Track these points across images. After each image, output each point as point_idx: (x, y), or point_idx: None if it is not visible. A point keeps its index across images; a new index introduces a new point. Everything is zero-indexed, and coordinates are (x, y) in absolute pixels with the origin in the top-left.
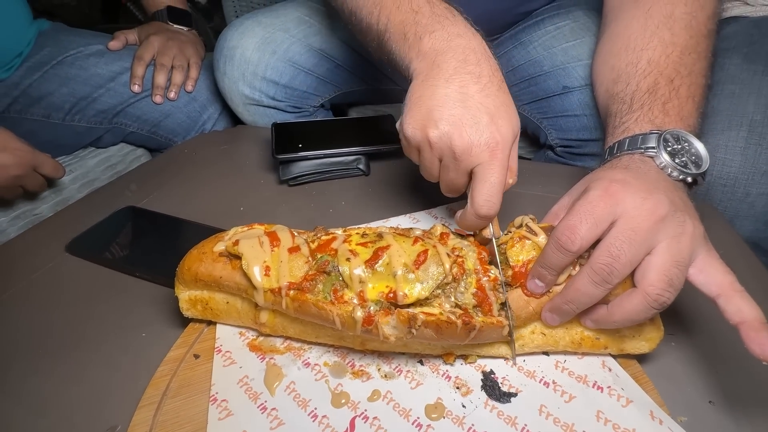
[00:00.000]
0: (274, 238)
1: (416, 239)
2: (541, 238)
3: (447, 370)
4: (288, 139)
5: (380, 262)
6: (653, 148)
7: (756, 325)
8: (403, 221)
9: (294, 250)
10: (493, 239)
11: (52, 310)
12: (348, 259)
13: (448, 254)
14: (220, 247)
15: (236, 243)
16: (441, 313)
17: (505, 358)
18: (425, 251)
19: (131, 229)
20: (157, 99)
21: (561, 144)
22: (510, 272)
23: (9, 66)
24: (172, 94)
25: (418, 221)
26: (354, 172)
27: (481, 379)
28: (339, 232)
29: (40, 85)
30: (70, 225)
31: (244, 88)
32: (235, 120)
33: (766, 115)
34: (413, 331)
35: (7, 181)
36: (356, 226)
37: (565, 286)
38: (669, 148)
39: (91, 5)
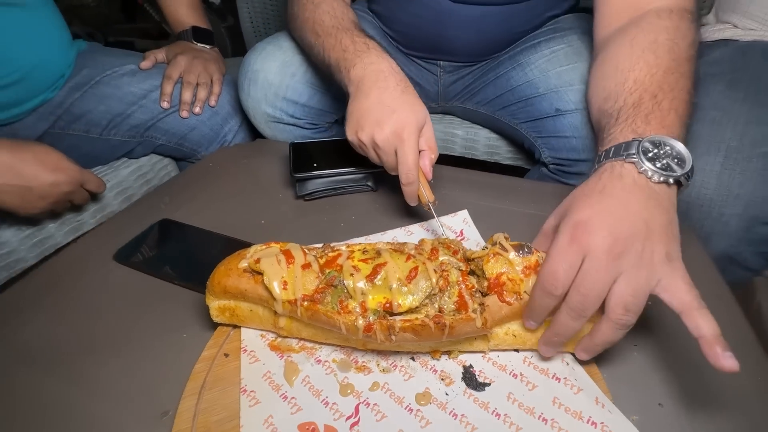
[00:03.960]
0: (289, 256)
1: (409, 256)
2: (511, 255)
3: (434, 365)
4: (304, 158)
5: (378, 277)
6: (634, 154)
7: (712, 340)
8: (399, 233)
9: (306, 266)
10: (430, 204)
11: (107, 312)
12: (351, 275)
13: (435, 270)
14: (243, 264)
15: (258, 261)
16: (416, 318)
17: (482, 353)
18: (416, 267)
19: (167, 240)
20: (184, 114)
21: (553, 162)
22: (485, 283)
23: (54, 86)
24: (197, 109)
25: (412, 233)
26: (363, 188)
27: (462, 372)
28: (343, 248)
29: (81, 103)
30: (114, 235)
31: (266, 108)
32: (253, 130)
33: (741, 142)
34: (393, 336)
35: (59, 197)
36: (358, 242)
37: (551, 322)
38: (649, 153)
39: (109, 5)
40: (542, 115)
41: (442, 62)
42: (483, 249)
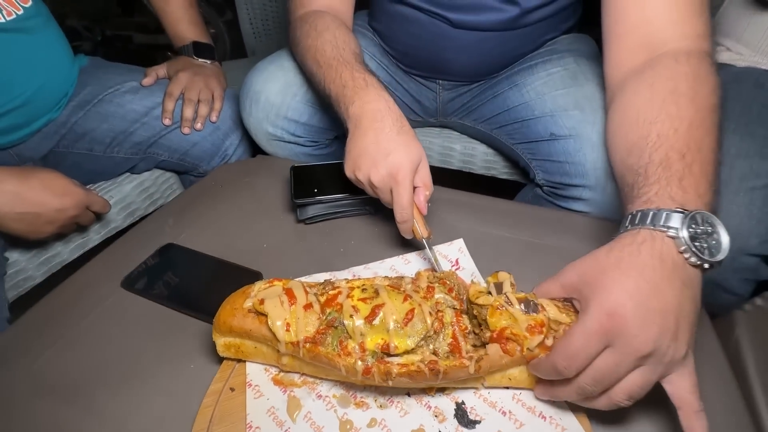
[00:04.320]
0: (291, 295)
1: (406, 296)
2: (517, 311)
3: (428, 401)
4: (305, 182)
5: (377, 318)
6: (675, 228)
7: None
8: (397, 262)
9: (308, 306)
10: (424, 240)
11: (117, 340)
12: (351, 315)
13: (430, 312)
14: (248, 303)
15: (262, 302)
16: (412, 363)
17: (475, 389)
18: (412, 310)
19: (173, 266)
20: (185, 130)
21: (547, 184)
22: (487, 334)
23: (58, 106)
24: (198, 125)
25: (410, 262)
26: (362, 212)
27: (454, 409)
28: (343, 284)
29: (84, 122)
30: (120, 260)
31: (268, 127)
32: (254, 144)
33: (730, 176)
34: (389, 382)
35: (66, 221)
36: (358, 273)
37: (559, 389)
38: (691, 230)
39: (107, 0)
40: (537, 137)
41: (440, 81)
42: (486, 291)
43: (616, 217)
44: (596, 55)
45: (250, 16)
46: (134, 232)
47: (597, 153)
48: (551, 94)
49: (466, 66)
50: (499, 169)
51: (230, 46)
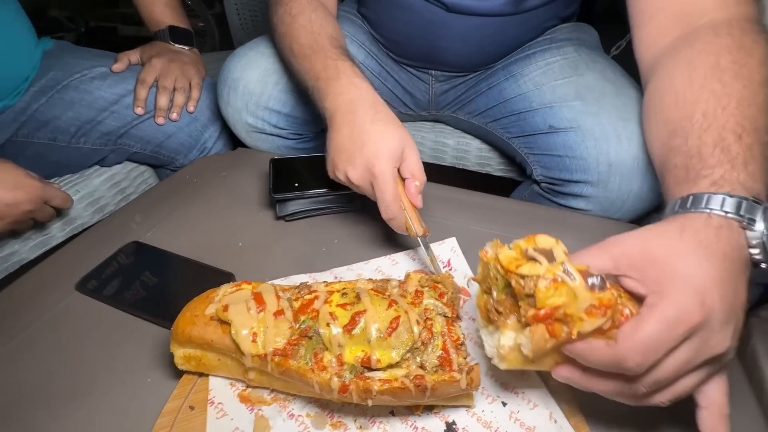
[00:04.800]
0: (260, 301)
1: (391, 302)
2: (581, 284)
3: (415, 421)
4: (285, 176)
5: (357, 326)
6: (755, 220)
7: None
8: (383, 263)
9: (279, 313)
10: (419, 239)
11: (66, 352)
12: (328, 324)
13: (418, 320)
14: (211, 310)
15: (226, 308)
16: (396, 379)
17: (467, 407)
18: (397, 317)
19: (136, 267)
20: (160, 120)
21: (545, 180)
22: (531, 312)
23: (17, 91)
24: (174, 116)
25: (397, 263)
26: (347, 208)
27: (444, 430)
28: (321, 287)
29: (46, 109)
30: (79, 259)
31: (247, 117)
32: (235, 137)
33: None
34: (368, 401)
35: (19, 217)
36: (340, 276)
37: (599, 381)
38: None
39: None
40: (535, 131)
41: (433, 71)
42: (523, 257)
43: (617, 216)
44: (597, 44)
45: (238, 8)
46: (96, 228)
47: (600, 146)
48: (550, 84)
49: (461, 55)
50: (494, 166)
51: (219, 39)
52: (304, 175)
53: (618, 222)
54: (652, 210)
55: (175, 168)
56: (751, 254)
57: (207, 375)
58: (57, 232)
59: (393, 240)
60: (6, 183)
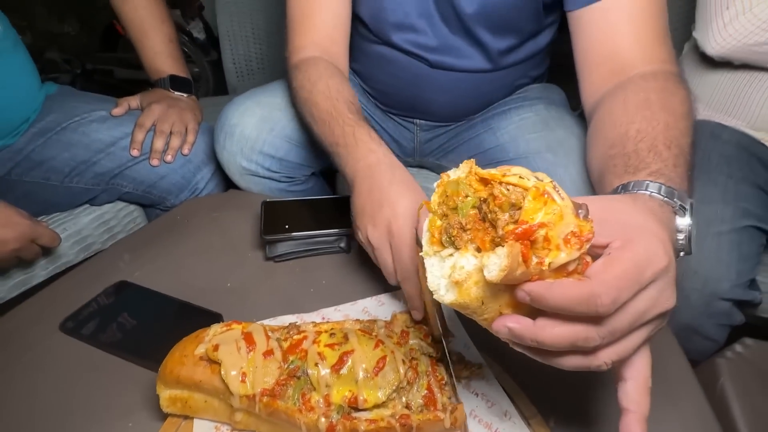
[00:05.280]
0: (250, 341)
1: (378, 342)
2: (569, 204)
3: None
4: (276, 218)
5: (345, 366)
6: (686, 210)
7: (640, 418)
8: (370, 304)
9: (268, 353)
10: (443, 341)
11: (46, 395)
12: (316, 364)
13: (403, 360)
14: (200, 350)
15: (216, 348)
16: (382, 419)
17: None
18: (384, 357)
19: (123, 307)
20: (154, 162)
21: None
22: (510, 226)
23: (16, 132)
24: (168, 157)
25: (384, 304)
26: (335, 250)
27: None
28: (310, 327)
29: (43, 150)
30: (64, 298)
31: (242, 161)
32: (227, 178)
33: (695, 220)
34: None
35: (5, 255)
36: (328, 316)
37: (560, 327)
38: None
39: (90, 35)
40: None
41: (418, 120)
42: (510, 174)
43: None
44: (565, 103)
45: (234, 56)
46: (83, 268)
47: (571, 194)
48: (524, 137)
49: (443, 106)
50: None
51: (213, 85)
52: (294, 217)
53: None
54: None
55: (166, 208)
56: (677, 239)
57: (192, 418)
58: (40, 270)
59: (379, 281)
60: None
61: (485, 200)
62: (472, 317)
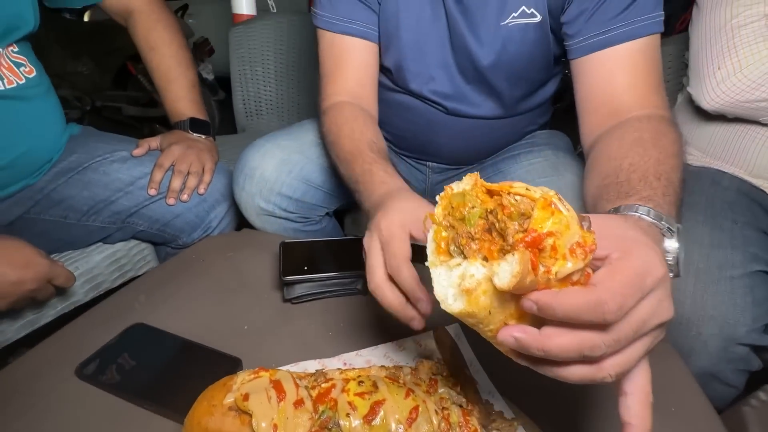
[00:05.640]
0: (280, 390)
1: (408, 392)
2: (574, 215)
3: None
4: (294, 259)
5: (377, 417)
6: (672, 231)
7: (645, 430)
8: (391, 348)
9: (298, 403)
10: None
11: None
12: (348, 414)
13: (436, 411)
14: (229, 399)
15: (246, 397)
16: None
17: None
18: (416, 407)
19: (140, 351)
20: (171, 201)
21: None
22: (519, 235)
23: (39, 172)
24: (185, 197)
25: (404, 348)
26: (352, 292)
27: None
28: (337, 374)
29: (63, 189)
30: (80, 341)
31: (260, 202)
32: (239, 216)
33: (708, 264)
34: None
35: (22, 295)
36: (350, 361)
37: (564, 336)
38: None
39: (102, 75)
40: None
41: (431, 163)
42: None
43: None
44: (571, 148)
45: (244, 97)
46: (99, 309)
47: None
48: (534, 181)
49: (456, 150)
50: None
51: (218, 123)
52: (312, 258)
53: None
54: None
55: (177, 246)
56: (667, 260)
57: None
58: (49, 310)
59: (398, 325)
60: (16, 261)
61: (491, 211)
62: (476, 328)
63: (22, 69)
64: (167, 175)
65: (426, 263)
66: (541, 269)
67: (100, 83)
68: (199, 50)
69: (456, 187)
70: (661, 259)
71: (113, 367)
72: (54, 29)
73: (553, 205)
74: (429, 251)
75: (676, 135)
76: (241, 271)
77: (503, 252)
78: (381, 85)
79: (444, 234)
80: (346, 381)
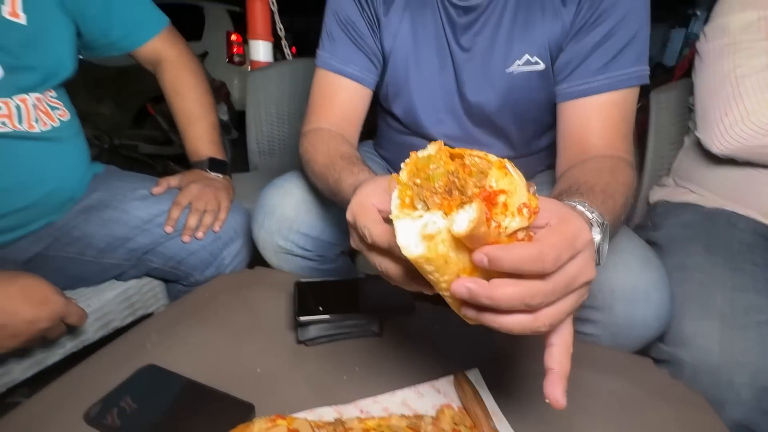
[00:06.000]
0: None
1: None
2: (521, 180)
3: None
4: (309, 299)
5: None
6: (601, 225)
7: (562, 375)
8: (409, 395)
9: None
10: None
11: None
12: None
13: None
14: None
15: None
16: None
17: None
18: None
19: (151, 394)
20: (186, 239)
21: None
22: (476, 190)
23: (62, 209)
24: (200, 234)
25: (423, 395)
26: (367, 334)
27: None
28: (356, 423)
29: (83, 226)
30: (90, 383)
31: (278, 240)
32: (251, 255)
33: (732, 309)
34: None
35: (34, 334)
36: (368, 407)
37: (510, 286)
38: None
39: (123, 115)
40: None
41: None
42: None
43: (626, 344)
44: None
45: (258, 138)
46: (110, 348)
47: (601, 275)
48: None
49: None
50: None
51: (230, 161)
52: (328, 298)
53: (627, 354)
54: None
55: (189, 284)
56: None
57: None
58: (57, 349)
59: (415, 369)
60: (33, 299)
61: (453, 172)
62: (432, 278)
63: (56, 112)
64: (184, 212)
65: (391, 217)
66: (493, 224)
67: (120, 123)
68: (217, 93)
69: (421, 153)
70: (588, 228)
71: (123, 411)
72: (82, 73)
73: (507, 168)
74: (393, 206)
75: (630, 172)
76: (255, 310)
77: (462, 206)
78: (392, 129)
79: (408, 193)
80: (366, 431)
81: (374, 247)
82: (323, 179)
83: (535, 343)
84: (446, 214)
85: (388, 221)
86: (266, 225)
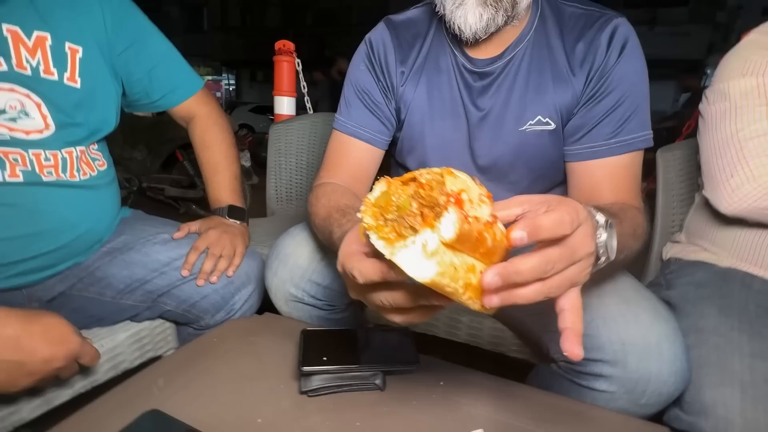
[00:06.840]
0: None
1: None
2: (466, 177)
3: None
4: (314, 348)
5: None
6: (608, 224)
7: (576, 332)
8: None
9: None
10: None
11: None
12: None
13: None
14: None
15: None
16: None
17: None
18: None
19: None
20: (200, 282)
21: (562, 359)
22: (444, 198)
23: (89, 251)
24: (214, 278)
25: None
26: (370, 387)
27: None
28: None
29: (107, 267)
30: (93, 428)
31: (290, 288)
32: (262, 300)
33: (753, 377)
34: None
35: (48, 373)
36: None
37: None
38: (608, 232)
39: (153, 160)
40: (544, 310)
41: None
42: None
43: (643, 402)
44: None
45: (277, 185)
46: (117, 391)
47: (609, 326)
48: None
49: None
50: (508, 346)
51: (249, 204)
52: (333, 348)
53: (644, 422)
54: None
55: (200, 327)
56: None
57: None
58: (66, 389)
59: (417, 427)
60: (52, 338)
61: (414, 194)
62: (451, 291)
63: (96, 163)
64: (201, 257)
65: (387, 257)
66: (471, 219)
67: (150, 167)
68: (241, 141)
69: (372, 195)
70: (583, 208)
71: None
72: (121, 121)
73: (453, 172)
74: (381, 249)
75: (639, 215)
76: (260, 357)
77: (438, 217)
78: None
79: (386, 230)
80: None
81: (370, 287)
82: (322, 232)
83: (540, 408)
84: (431, 228)
85: (380, 258)
86: (279, 273)
